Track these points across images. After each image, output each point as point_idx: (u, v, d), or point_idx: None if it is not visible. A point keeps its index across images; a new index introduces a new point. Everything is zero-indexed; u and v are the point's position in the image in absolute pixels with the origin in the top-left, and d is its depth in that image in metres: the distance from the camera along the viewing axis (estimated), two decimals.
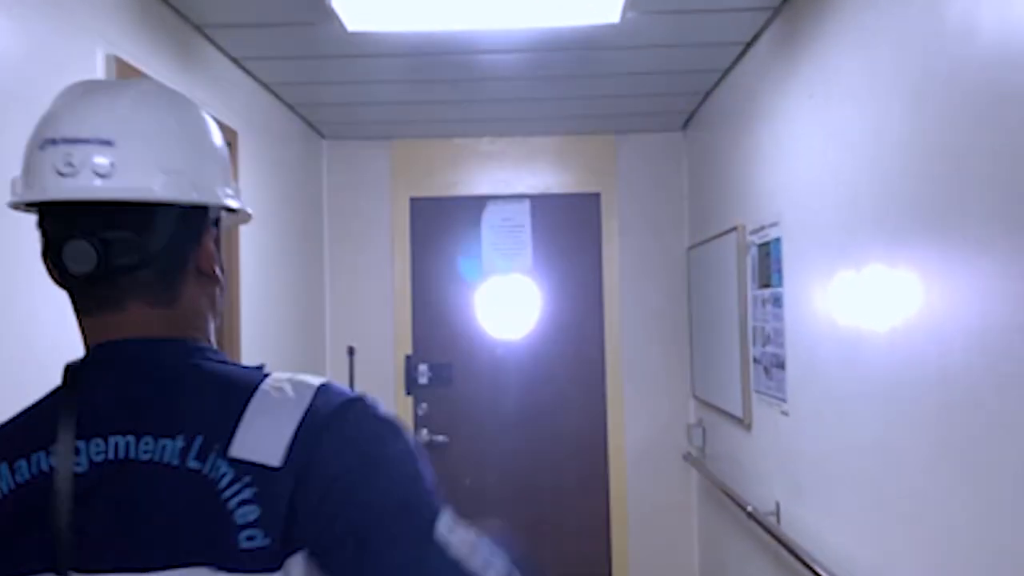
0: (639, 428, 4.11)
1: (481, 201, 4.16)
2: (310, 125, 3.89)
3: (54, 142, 0.82)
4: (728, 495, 3.19)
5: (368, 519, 0.78)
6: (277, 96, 3.39)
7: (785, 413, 2.62)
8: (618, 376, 4.14)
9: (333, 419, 0.81)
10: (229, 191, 0.92)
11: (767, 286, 2.80)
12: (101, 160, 0.81)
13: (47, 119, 0.84)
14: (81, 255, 0.81)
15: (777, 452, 2.74)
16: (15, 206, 0.87)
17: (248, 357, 2.88)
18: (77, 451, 0.80)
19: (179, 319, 0.88)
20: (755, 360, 2.95)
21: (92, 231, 0.81)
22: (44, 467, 0.81)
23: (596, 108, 3.74)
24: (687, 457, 3.98)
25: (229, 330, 2.82)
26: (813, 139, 2.38)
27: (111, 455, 0.80)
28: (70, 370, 0.86)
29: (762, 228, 2.84)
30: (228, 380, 0.84)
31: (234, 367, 0.88)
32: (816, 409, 2.39)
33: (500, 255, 4.15)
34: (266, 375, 0.86)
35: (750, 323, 3.01)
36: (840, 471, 2.21)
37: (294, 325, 3.58)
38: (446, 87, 3.35)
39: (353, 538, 0.77)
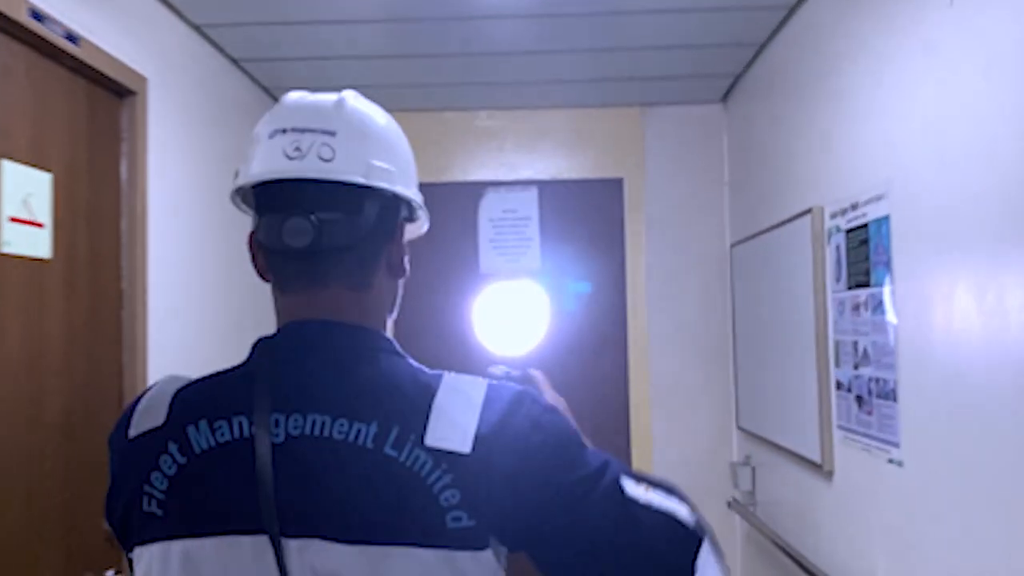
0: (670, 466, 3.35)
1: (478, 189, 3.42)
2: (261, 87, 3.16)
3: (283, 131, 0.93)
4: (794, 558, 2.43)
5: (561, 492, 0.86)
6: (213, 43, 2.66)
7: (896, 463, 1.87)
8: (644, 402, 3.38)
9: (508, 409, 0.89)
10: (417, 193, 1.02)
11: (862, 286, 2.05)
12: (325, 146, 0.92)
13: (273, 116, 0.96)
14: (300, 230, 0.90)
15: (880, 513, 1.98)
16: (238, 191, 0.97)
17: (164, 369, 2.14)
18: (276, 423, 0.86)
19: (369, 305, 0.96)
20: (840, 386, 2.20)
21: (311, 210, 0.91)
22: (246, 432, 0.87)
23: (619, 70, 3.01)
24: (731, 504, 3.22)
25: (132, 340, 2.08)
26: (952, 66, 1.64)
27: (308, 431, 0.86)
28: (266, 343, 0.93)
29: (854, 207, 2.10)
30: (414, 378, 0.91)
31: (415, 365, 0.94)
32: (953, 461, 1.64)
33: (501, 254, 3.41)
34: (441, 374, 0.92)
35: (831, 336, 2.26)
36: (986, 551, 1.45)
37: (231, 336, 2.84)
38: (432, 39, 2.63)
39: (555, 511, 0.85)
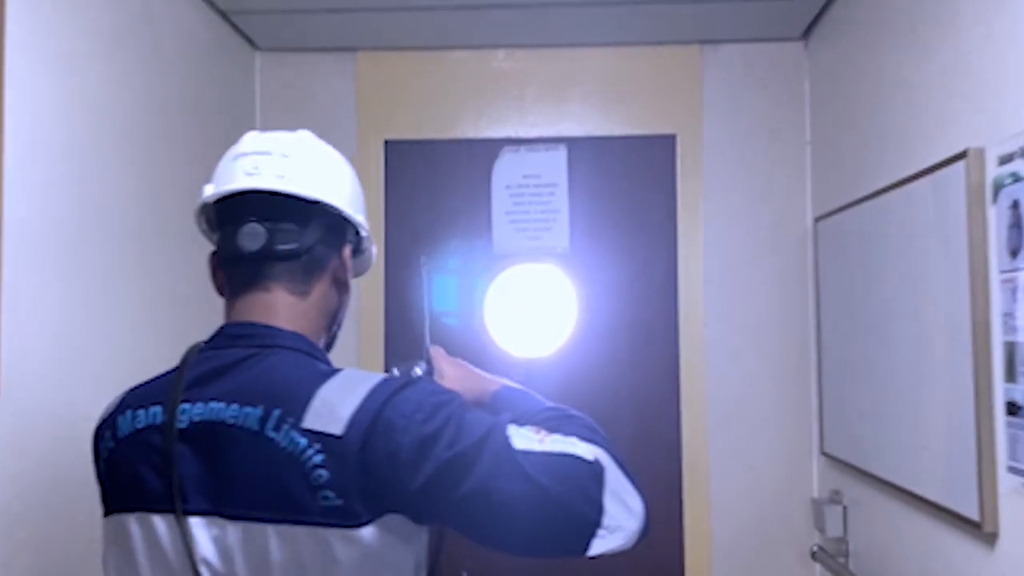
0: (731, 503, 2.63)
1: (492, 147, 2.72)
2: (233, 27, 2.49)
3: (245, 154, 1.07)
4: None
5: (447, 468, 0.90)
6: None
7: None
8: (699, 421, 2.66)
9: (390, 397, 0.93)
10: (363, 223, 1.15)
11: None
12: (280, 166, 1.06)
13: (238, 145, 1.10)
14: (254, 235, 1.03)
15: None
16: (204, 205, 1.09)
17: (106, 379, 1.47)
18: (183, 411, 0.97)
19: (306, 311, 1.07)
20: (1014, 410, 1.47)
21: (265, 218, 1.04)
22: (158, 420, 0.98)
23: None
24: (816, 554, 2.49)
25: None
26: None
27: (207, 416, 0.96)
28: (210, 342, 1.05)
29: None
30: (313, 371, 0.98)
31: (323, 365, 1.03)
32: None
33: (519, 231, 2.71)
34: (344, 369, 1.00)
35: (996, 335, 1.53)
36: None
37: (183, 329, 2.15)
38: None
39: (447, 485, 0.90)
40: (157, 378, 1.05)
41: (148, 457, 0.97)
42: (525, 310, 2.72)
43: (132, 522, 0.97)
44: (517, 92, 2.72)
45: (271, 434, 0.93)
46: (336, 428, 0.91)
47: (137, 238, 1.92)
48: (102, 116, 1.80)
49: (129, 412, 1.01)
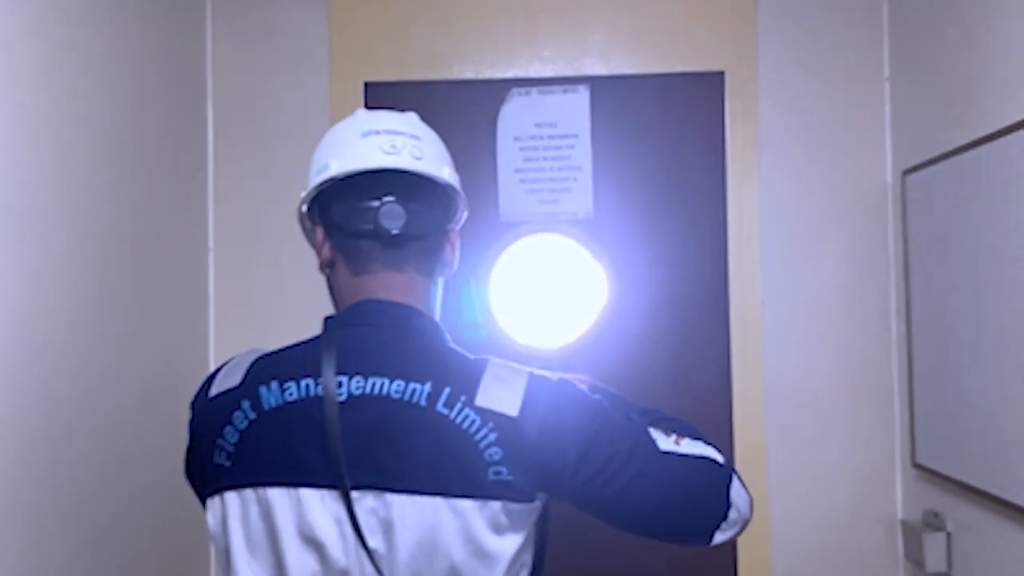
0: (794, 524, 2.14)
1: (497, 90, 2.21)
2: None
3: (377, 132, 1.05)
4: None
5: (605, 466, 0.96)
6: None
7: None
8: (755, 423, 2.16)
9: (550, 388, 0.99)
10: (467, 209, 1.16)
11: None
12: (415, 147, 1.05)
13: (359, 121, 1.08)
14: (396, 215, 1.01)
15: None
16: (324, 183, 1.05)
17: None
18: (340, 384, 0.96)
19: (431, 293, 1.08)
20: None
21: (404, 198, 1.02)
22: (312, 392, 0.97)
23: None
24: None
25: None
26: None
27: (368, 390, 0.96)
28: (336, 318, 1.04)
29: None
30: (465, 356, 1.01)
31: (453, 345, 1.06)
32: None
33: (531, 192, 2.20)
34: (488, 357, 1.02)
35: None
36: None
37: (122, 331, 1.65)
38: None
39: (603, 480, 0.96)
40: (291, 347, 1.04)
41: (304, 430, 0.96)
42: (539, 291, 2.22)
43: (280, 496, 0.95)
44: (527, 22, 2.21)
45: (442, 410, 0.95)
46: (511, 410, 0.96)
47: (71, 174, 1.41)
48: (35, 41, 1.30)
49: (274, 384, 0.98)
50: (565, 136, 2.19)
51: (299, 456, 0.95)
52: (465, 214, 1.14)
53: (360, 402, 0.95)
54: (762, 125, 2.18)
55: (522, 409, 0.95)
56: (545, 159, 2.19)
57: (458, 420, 0.94)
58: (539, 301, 2.21)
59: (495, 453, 0.93)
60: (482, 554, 0.93)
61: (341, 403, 0.95)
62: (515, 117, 2.20)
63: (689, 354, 2.19)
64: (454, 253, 1.10)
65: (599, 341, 2.18)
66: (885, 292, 2.16)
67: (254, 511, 0.96)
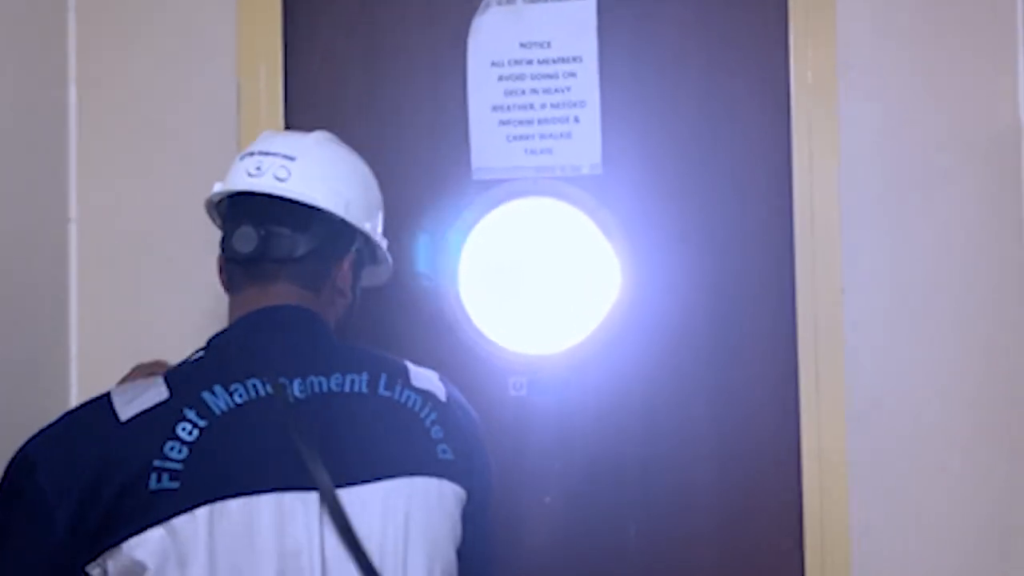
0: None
1: None
2: None
3: (251, 154, 1.06)
4: None
5: (486, 484, 1.09)
6: None
7: None
8: (833, 456, 1.52)
9: (458, 393, 1.09)
10: (375, 230, 1.14)
11: None
12: (283, 168, 1.03)
13: (252, 145, 1.09)
14: (246, 239, 1.00)
15: None
16: (209, 202, 1.11)
17: None
18: (284, 386, 0.94)
19: (318, 306, 1.04)
20: None
21: (260, 222, 1.01)
22: (262, 392, 0.93)
23: None
24: None
25: None
26: None
27: (312, 390, 0.95)
28: (233, 329, 1.01)
29: None
30: (380, 353, 1.07)
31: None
32: None
33: (516, 140, 1.57)
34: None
35: None
36: None
37: None
38: None
39: (482, 500, 1.06)
40: (199, 358, 0.98)
41: (261, 433, 0.90)
42: (526, 278, 1.59)
43: (251, 506, 0.87)
44: None
45: (384, 392, 0.97)
46: (440, 395, 1.03)
47: None
48: None
49: (218, 387, 0.92)
50: (562, 60, 1.56)
51: (263, 460, 0.89)
52: (380, 254, 1.14)
53: (309, 404, 0.93)
54: (841, 46, 1.54)
55: (447, 396, 1.05)
56: (535, 92, 1.57)
57: (401, 400, 0.99)
58: (527, 291, 1.58)
59: (438, 431, 0.99)
60: (454, 525, 0.98)
61: (291, 404, 0.92)
62: (492, 34, 1.57)
63: (737, 367, 1.55)
64: (345, 281, 1.07)
65: (609, 347, 1.55)
66: (1020, 274, 1.51)
67: (220, 528, 0.86)
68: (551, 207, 1.57)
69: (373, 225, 1.11)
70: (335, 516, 0.88)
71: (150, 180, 1.58)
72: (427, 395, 1.00)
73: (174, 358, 1.09)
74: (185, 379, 0.93)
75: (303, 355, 0.97)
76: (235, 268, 1.02)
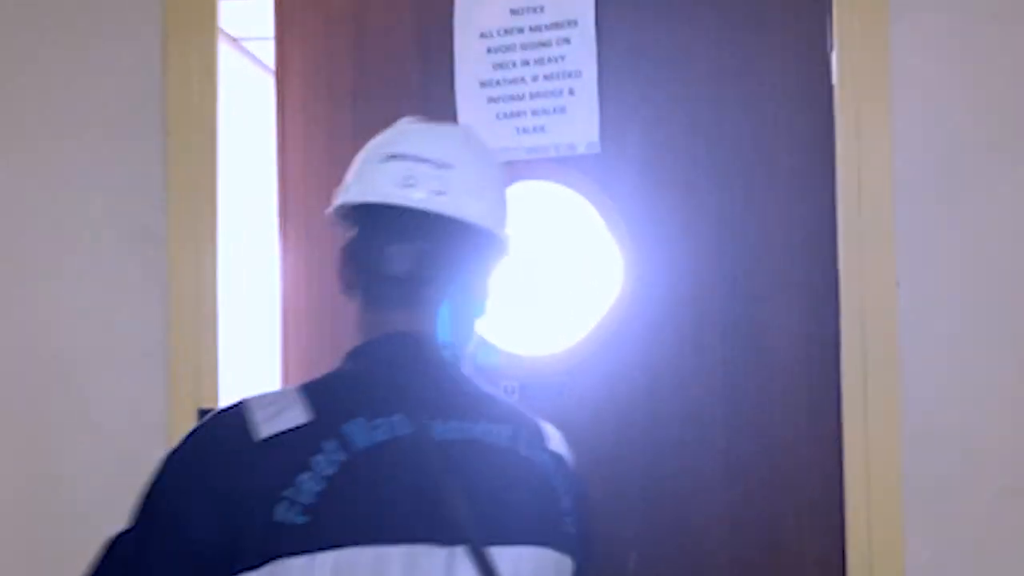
0: None
1: None
2: None
3: (398, 157, 0.92)
4: None
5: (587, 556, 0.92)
6: None
7: None
8: (886, 499, 1.23)
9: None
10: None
11: None
12: (438, 179, 0.90)
13: (387, 140, 0.95)
14: (402, 258, 0.90)
15: None
16: (341, 208, 0.95)
17: None
18: (425, 427, 0.84)
19: (456, 332, 0.94)
20: None
21: (413, 239, 0.90)
22: (402, 432, 0.83)
23: None
24: None
25: None
26: None
27: (457, 435, 0.85)
28: (371, 351, 0.90)
29: None
30: (503, 396, 0.97)
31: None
32: None
33: (507, 117, 1.41)
34: None
35: None
36: None
37: None
38: None
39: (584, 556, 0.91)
40: (336, 379, 0.89)
41: (399, 477, 0.81)
42: (520, 271, 1.41)
43: (384, 558, 0.78)
44: None
45: (524, 451, 0.88)
46: (568, 461, 0.93)
47: None
48: None
49: (361, 420, 0.82)
50: (556, 25, 1.39)
51: (397, 508, 0.80)
52: (508, 246, 0.98)
53: (454, 447, 0.84)
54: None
55: (571, 463, 0.94)
56: (525, 64, 1.40)
57: (538, 462, 0.89)
58: (519, 285, 1.40)
59: (567, 502, 0.89)
60: None
61: (437, 446, 0.83)
62: (480, 2, 1.42)
63: (760, 376, 1.30)
64: (485, 291, 0.97)
65: (609, 349, 1.35)
66: None
67: (341, 572, 0.77)
68: (545, 191, 1.40)
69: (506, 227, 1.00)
70: (485, 571, 0.80)
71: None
72: (559, 461, 0.91)
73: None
74: (327, 403, 0.84)
75: (448, 395, 0.88)
76: (381, 285, 0.92)
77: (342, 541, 0.77)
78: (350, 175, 0.95)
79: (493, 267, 0.97)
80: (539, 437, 0.90)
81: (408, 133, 0.96)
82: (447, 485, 0.80)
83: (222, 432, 0.83)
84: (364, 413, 0.82)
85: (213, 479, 0.80)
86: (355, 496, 0.79)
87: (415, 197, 0.89)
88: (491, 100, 1.41)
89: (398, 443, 0.82)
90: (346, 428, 0.81)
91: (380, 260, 0.90)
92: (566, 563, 0.86)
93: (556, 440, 0.92)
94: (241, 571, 0.76)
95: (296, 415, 0.82)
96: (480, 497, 0.82)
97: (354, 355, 0.90)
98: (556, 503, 0.87)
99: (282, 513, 0.77)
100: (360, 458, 0.80)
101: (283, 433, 0.80)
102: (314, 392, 0.85)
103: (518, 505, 0.85)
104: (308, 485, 0.78)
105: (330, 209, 0.96)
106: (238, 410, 0.83)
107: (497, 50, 1.41)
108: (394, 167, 0.91)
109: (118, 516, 0.81)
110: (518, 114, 1.40)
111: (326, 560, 0.77)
